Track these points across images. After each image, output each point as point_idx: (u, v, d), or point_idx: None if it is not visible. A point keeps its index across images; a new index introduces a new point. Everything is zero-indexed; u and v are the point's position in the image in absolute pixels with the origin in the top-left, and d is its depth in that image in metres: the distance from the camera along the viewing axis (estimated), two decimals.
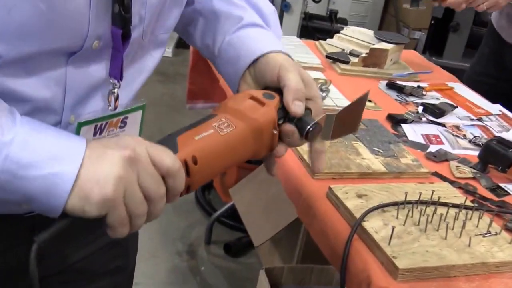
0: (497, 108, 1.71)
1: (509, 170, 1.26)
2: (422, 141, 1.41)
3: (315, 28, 3.76)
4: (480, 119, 1.62)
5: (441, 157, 1.33)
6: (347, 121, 0.75)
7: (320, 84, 1.56)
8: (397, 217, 1.00)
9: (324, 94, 1.54)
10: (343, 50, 1.91)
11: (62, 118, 0.70)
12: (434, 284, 0.90)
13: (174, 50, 4.22)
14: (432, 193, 1.06)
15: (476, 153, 1.34)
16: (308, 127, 0.70)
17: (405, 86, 1.71)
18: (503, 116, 1.67)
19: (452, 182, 1.21)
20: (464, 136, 1.48)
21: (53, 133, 0.59)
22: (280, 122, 0.71)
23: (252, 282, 1.63)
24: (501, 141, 1.29)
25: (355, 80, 1.75)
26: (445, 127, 1.52)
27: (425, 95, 1.70)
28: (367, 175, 1.18)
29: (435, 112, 1.57)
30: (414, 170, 1.22)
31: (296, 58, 1.72)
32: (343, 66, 1.80)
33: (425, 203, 1.04)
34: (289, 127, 0.70)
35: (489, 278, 0.93)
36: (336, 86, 1.64)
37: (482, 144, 1.38)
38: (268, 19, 0.83)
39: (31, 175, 0.56)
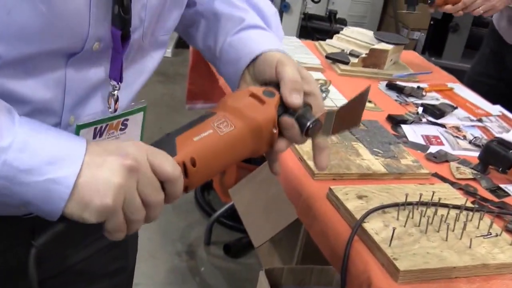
0: (497, 109, 1.71)
1: (510, 171, 1.26)
2: (422, 142, 1.41)
3: (314, 28, 3.76)
4: (480, 120, 1.61)
5: (441, 158, 1.33)
6: (348, 117, 0.75)
7: (320, 85, 1.56)
8: (397, 219, 1.00)
9: (324, 95, 1.54)
10: (343, 50, 1.91)
11: (62, 119, 0.69)
12: (434, 285, 0.90)
13: (174, 50, 4.22)
14: (433, 194, 1.06)
15: (476, 154, 1.34)
16: (308, 123, 0.70)
17: (405, 86, 1.71)
18: (503, 117, 1.67)
19: (452, 183, 1.21)
20: (464, 137, 1.48)
21: (53, 134, 0.58)
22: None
23: (252, 282, 1.63)
24: (502, 142, 1.29)
25: (355, 81, 1.75)
26: (445, 128, 1.52)
27: (425, 95, 1.70)
28: (367, 176, 1.18)
29: (435, 113, 1.57)
30: (414, 171, 1.22)
31: (296, 58, 1.71)
32: (342, 66, 1.80)
33: (426, 204, 1.04)
34: (288, 120, 0.70)
35: (490, 279, 0.93)
36: (336, 86, 1.64)
37: (482, 145, 1.38)
38: (269, 20, 0.83)
39: (29, 180, 0.55)
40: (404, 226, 0.98)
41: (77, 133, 0.69)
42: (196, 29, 0.86)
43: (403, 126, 1.48)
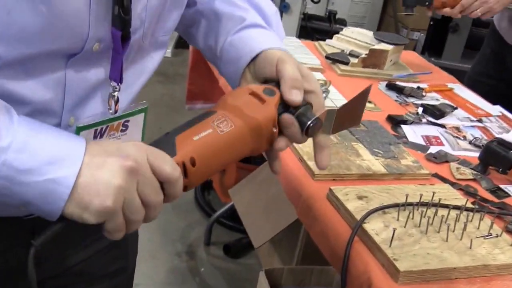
0: (497, 109, 1.71)
1: (510, 172, 1.26)
2: (422, 142, 1.41)
3: (314, 28, 3.76)
4: (480, 120, 1.61)
5: (441, 158, 1.33)
6: (348, 116, 0.74)
7: (319, 85, 1.55)
8: (397, 219, 1.00)
9: (323, 95, 1.54)
10: (343, 51, 1.91)
11: (62, 120, 0.69)
12: (435, 286, 0.90)
13: (174, 50, 4.21)
14: (433, 194, 1.06)
15: (476, 154, 1.34)
16: (309, 122, 0.69)
17: (404, 87, 1.71)
18: (503, 117, 1.67)
19: (452, 184, 1.21)
20: (464, 138, 1.47)
21: (52, 134, 0.58)
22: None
23: (252, 283, 1.62)
24: (502, 142, 1.29)
25: (355, 81, 1.75)
26: (445, 128, 1.52)
27: (424, 96, 1.70)
28: (367, 177, 1.17)
29: (435, 113, 1.57)
30: (414, 172, 1.22)
31: (296, 58, 1.71)
32: (342, 67, 1.80)
33: (426, 204, 1.04)
34: (288, 118, 0.69)
35: (490, 280, 0.93)
36: (336, 87, 1.64)
37: (482, 145, 1.38)
38: (270, 20, 0.83)
39: (29, 180, 0.55)
40: (405, 227, 0.98)
41: (77, 134, 0.68)
42: (197, 28, 0.86)
43: (403, 126, 1.48)
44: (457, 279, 0.92)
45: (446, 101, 1.69)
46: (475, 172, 1.28)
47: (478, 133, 1.52)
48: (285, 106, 0.70)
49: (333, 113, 0.71)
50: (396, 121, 1.48)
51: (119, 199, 0.57)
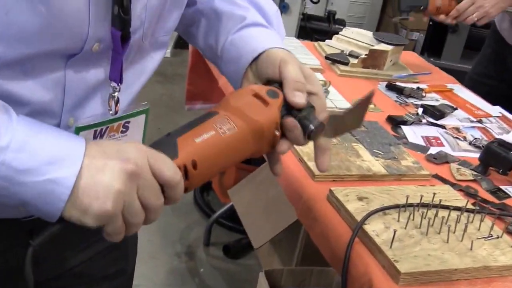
0: (497, 110, 1.71)
1: (510, 173, 1.26)
2: (422, 143, 1.41)
3: (313, 29, 3.75)
4: (480, 121, 1.61)
5: (441, 159, 1.33)
6: (350, 119, 0.74)
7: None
8: (398, 220, 1.00)
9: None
10: (342, 51, 1.90)
11: (61, 120, 0.69)
12: None
13: (173, 50, 4.21)
14: (434, 195, 1.05)
15: (477, 155, 1.34)
16: (312, 127, 0.69)
17: (404, 87, 1.71)
18: (503, 118, 1.67)
19: (453, 185, 1.20)
20: (464, 138, 1.47)
21: (52, 133, 0.58)
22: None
23: (252, 284, 1.62)
24: (502, 143, 1.29)
25: (355, 82, 1.74)
26: (445, 129, 1.51)
27: (424, 96, 1.70)
28: (367, 178, 1.17)
29: (435, 113, 1.56)
30: (414, 173, 1.21)
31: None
32: (342, 67, 1.80)
33: (427, 206, 1.03)
34: (291, 121, 0.69)
35: (491, 282, 0.93)
36: (336, 87, 1.63)
37: (483, 146, 1.38)
38: (271, 19, 0.83)
39: (28, 181, 0.55)
40: (405, 228, 0.98)
41: (76, 134, 0.68)
42: (197, 28, 0.85)
43: (403, 127, 1.47)
44: (458, 280, 0.91)
45: (446, 102, 1.69)
46: (476, 173, 1.28)
47: (478, 134, 1.52)
48: (288, 107, 0.69)
49: (336, 118, 0.71)
50: (396, 122, 1.48)
51: (119, 203, 0.56)
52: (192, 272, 2.24)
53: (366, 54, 1.82)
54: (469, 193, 1.19)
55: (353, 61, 1.81)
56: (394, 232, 0.92)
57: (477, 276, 0.92)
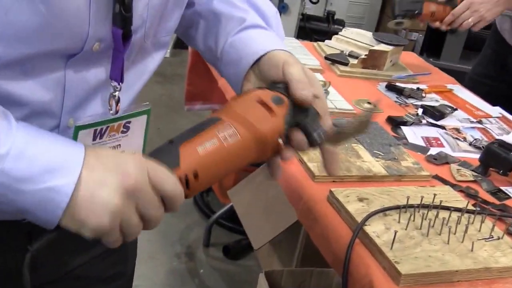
0: (497, 111, 1.71)
1: (511, 174, 1.26)
2: (422, 143, 1.41)
3: (312, 29, 3.75)
4: (480, 122, 1.61)
5: (441, 160, 1.33)
6: (352, 130, 0.75)
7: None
8: (399, 221, 0.99)
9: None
10: (342, 51, 1.90)
11: (61, 121, 0.69)
12: None
13: (172, 50, 4.20)
14: (434, 196, 1.05)
15: (477, 156, 1.34)
16: (317, 138, 0.69)
17: (404, 88, 1.70)
18: (503, 119, 1.66)
19: (453, 186, 1.20)
20: (464, 139, 1.47)
21: (50, 140, 0.57)
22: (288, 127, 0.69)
23: (251, 284, 1.62)
24: (502, 144, 1.28)
25: (354, 82, 1.74)
26: (445, 129, 1.51)
27: (424, 97, 1.70)
28: (367, 178, 1.17)
29: (435, 114, 1.56)
30: (415, 173, 1.21)
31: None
32: (342, 67, 1.79)
33: (427, 207, 1.03)
34: (299, 136, 0.69)
35: (492, 283, 0.92)
36: (335, 87, 1.63)
37: (483, 147, 1.37)
38: (270, 21, 0.82)
39: (27, 189, 0.55)
40: (406, 229, 0.97)
41: (76, 134, 0.68)
42: (196, 30, 0.85)
43: (403, 127, 1.47)
44: (459, 282, 0.91)
45: (446, 102, 1.69)
46: (476, 174, 1.28)
47: (478, 135, 1.51)
48: (292, 113, 0.68)
49: (339, 127, 0.71)
50: (396, 122, 1.48)
51: (116, 219, 0.56)
52: (192, 273, 2.24)
53: (365, 55, 1.82)
54: (469, 194, 1.19)
55: (353, 61, 1.81)
56: (395, 233, 0.92)
57: (478, 278, 0.92)
